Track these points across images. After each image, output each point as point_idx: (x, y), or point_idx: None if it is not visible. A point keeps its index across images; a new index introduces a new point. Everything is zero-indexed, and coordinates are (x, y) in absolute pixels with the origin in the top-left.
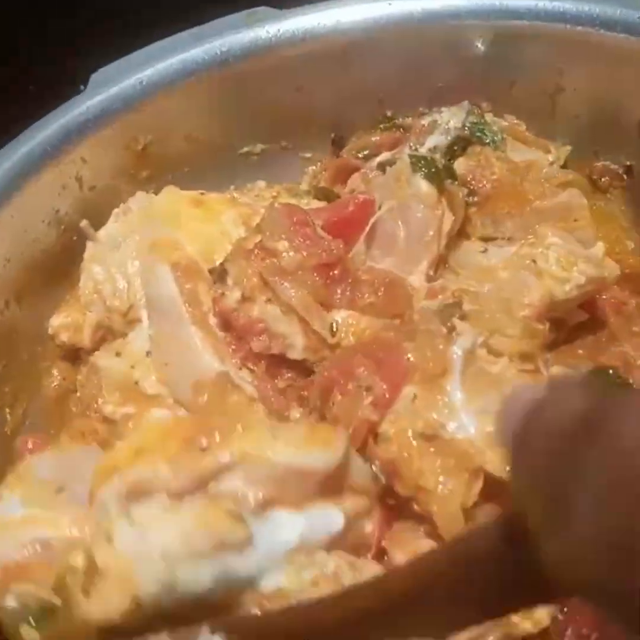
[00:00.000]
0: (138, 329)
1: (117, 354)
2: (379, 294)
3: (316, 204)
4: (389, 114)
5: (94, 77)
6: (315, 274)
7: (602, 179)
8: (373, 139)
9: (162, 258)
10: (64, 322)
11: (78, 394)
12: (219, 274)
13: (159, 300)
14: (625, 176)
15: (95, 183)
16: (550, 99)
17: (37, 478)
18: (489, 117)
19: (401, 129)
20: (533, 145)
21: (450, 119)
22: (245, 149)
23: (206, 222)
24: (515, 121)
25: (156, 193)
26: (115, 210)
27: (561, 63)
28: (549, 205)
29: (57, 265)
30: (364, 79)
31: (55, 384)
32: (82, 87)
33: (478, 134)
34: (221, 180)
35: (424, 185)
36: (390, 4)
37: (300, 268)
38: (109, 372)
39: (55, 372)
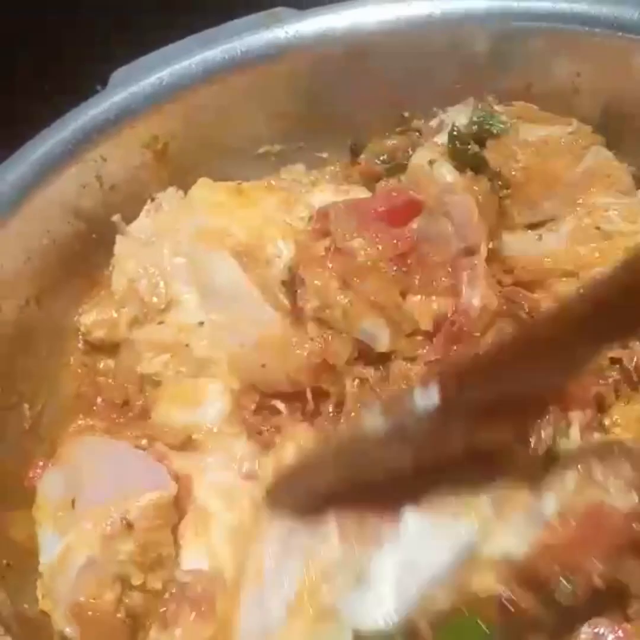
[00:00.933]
0: (177, 308)
1: (160, 323)
2: (450, 275)
3: (355, 192)
4: (405, 114)
5: (114, 77)
6: (393, 265)
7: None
8: (389, 142)
9: (217, 246)
10: (98, 319)
11: (109, 379)
12: (296, 284)
13: (220, 287)
14: None
15: (115, 182)
16: (567, 101)
17: (52, 501)
18: (498, 107)
19: (417, 133)
20: (548, 123)
21: (457, 117)
22: (263, 149)
23: (249, 209)
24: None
25: (176, 191)
26: (146, 206)
27: (578, 65)
28: (579, 172)
29: (77, 263)
30: (381, 79)
31: (75, 380)
32: (98, 87)
33: (486, 126)
34: (239, 180)
35: (448, 176)
36: (409, 5)
37: (379, 260)
38: (152, 337)
39: (75, 368)
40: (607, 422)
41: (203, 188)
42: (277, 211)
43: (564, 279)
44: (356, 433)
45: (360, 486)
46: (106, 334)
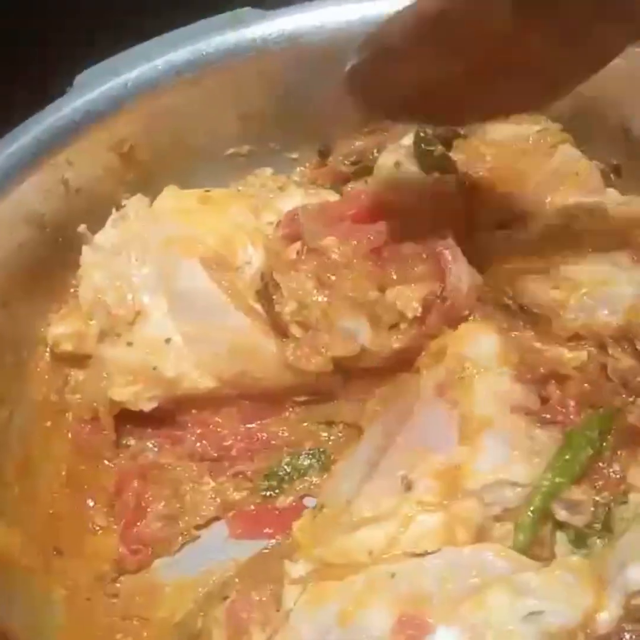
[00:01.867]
0: (145, 320)
1: (129, 344)
2: (425, 261)
3: (323, 195)
4: None
5: (79, 79)
6: (368, 261)
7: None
8: (357, 143)
9: (186, 254)
10: (65, 332)
11: (77, 396)
12: (270, 290)
13: (190, 296)
14: (612, 176)
15: (80, 185)
16: None
17: None
18: None
19: (385, 133)
20: (516, 121)
21: None
22: (232, 150)
23: (217, 216)
24: None
25: (144, 195)
26: (113, 216)
27: None
28: (548, 172)
29: (44, 269)
30: None
31: (43, 386)
32: (67, 88)
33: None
34: (208, 182)
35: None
36: (374, 3)
37: (353, 257)
38: (120, 361)
39: (42, 375)
40: None
41: (170, 196)
42: (246, 217)
43: (534, 276)
44: None
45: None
46: (74, 346)
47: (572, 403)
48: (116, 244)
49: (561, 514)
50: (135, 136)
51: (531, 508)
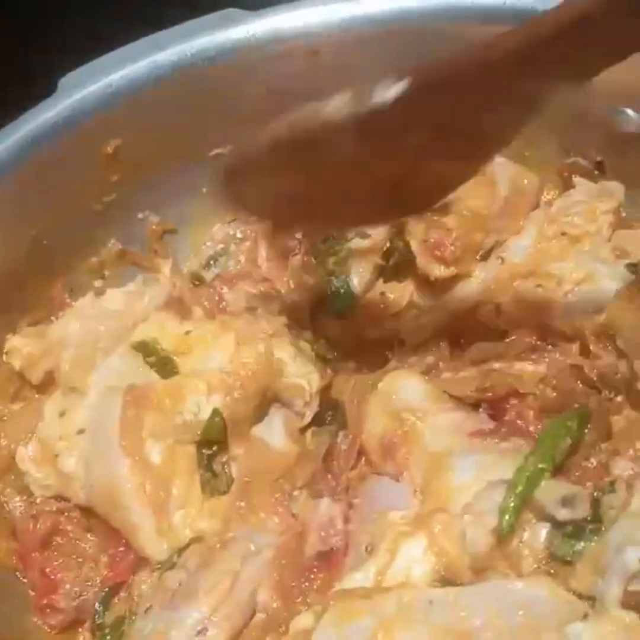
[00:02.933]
0: (81, 399)
1: (61, 414)
2: None
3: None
4: None
5: (63, 82)
6: None
7: (574, 176)
8: None
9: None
10: (21, 348)
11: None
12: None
13: (101, 418)
14: (596, 172)
15: (65, 187)
16: None
17: None
18: None
19: None
20: None
21: None
22: (217, 151)
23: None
24: None
25: (127, 197)
26: (129, 286)
27: None
28: (501, 205)
29: (20, 278)
30: (335, 79)
31: None
32: (51, 91)
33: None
34: (193, 182)
35: None
36: (358, 4)
37: None
38: (41, 427)
39: None
40: None
41: (153, 325)
42: (220, 359)
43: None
44: (318, 120)
45: (319, 190)
46: (21, 366)
47: (531, 413)
48: (110, 310)
49: (561, 513)
50: (119, 138)
51: (516, 490)
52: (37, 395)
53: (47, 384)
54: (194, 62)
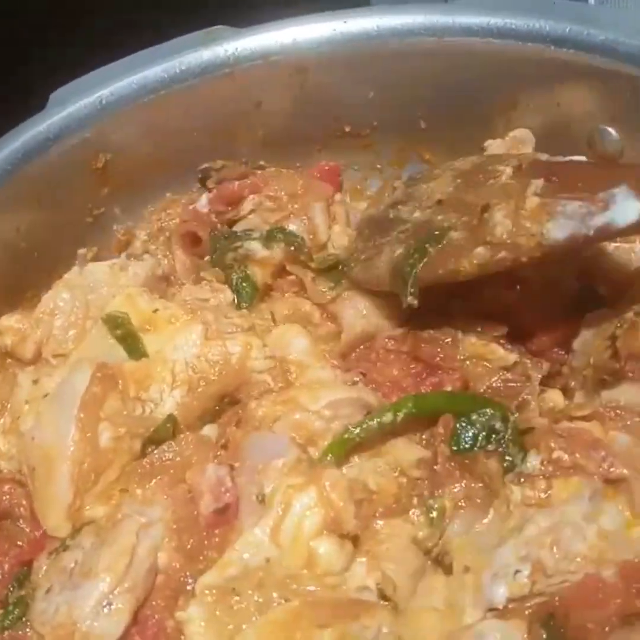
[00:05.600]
0: (56, 370)
1: (34, 382)
2: None
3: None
4: (347, 129)
5: (54, 96)
6: None
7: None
8: (231, 186)
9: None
10: (14, 326)
11: None
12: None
13: (66, 385)
14: None
15: (55, 201)
16: (505, 115)
17: None
18: None
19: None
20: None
21: None
22: (205, 165)
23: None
24: None
25: (119, 210)
26: (116, 259)
27: (514, 79)
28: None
29: (16, 282)
30: (321, 94)
31: None
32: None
33: None
34: (182, 195)
35: None
36: (345, 22)
37: None
38: (15, 393)
39: None
40: None
41: (125, 301)
42: (185, 350)
43: None
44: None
45: None
46: (13, 343)
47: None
48: (98, 283)
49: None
50: (109, 152)
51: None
52: (16, 370)
53: (36, 360)
54: (183, 78)
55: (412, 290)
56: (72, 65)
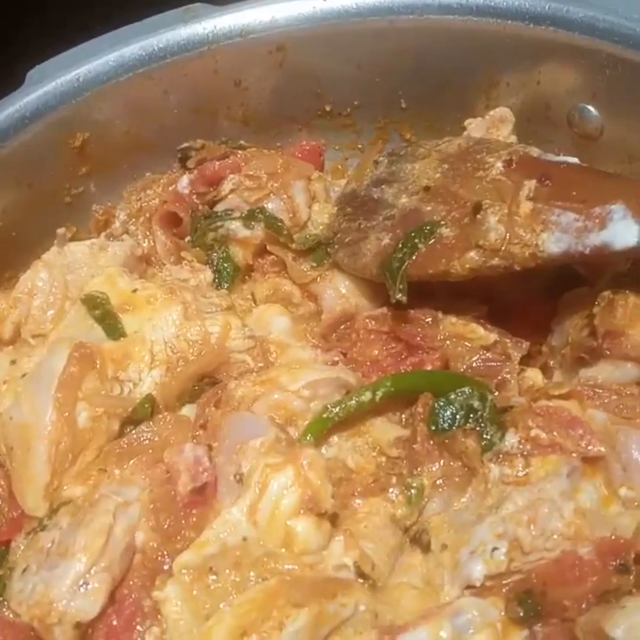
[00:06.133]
0: (34, 350)
1: (12, 362)
2: None
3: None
4: (328, 108)
5: (30, 74)
6: None
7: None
8: (211, 166)
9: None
10: None
11: None
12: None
13: (45, 365)
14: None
15: (33, 180)
16: (485, 93)
17: None
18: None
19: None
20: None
21: None
22: (185, 144)
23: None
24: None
25: (98, 190)
26: (96, 239)
27: (493, 57)
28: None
29: None
30: (301, 73)
31: None
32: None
33: None
34: (161, 174)
35: None
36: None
37: None
38: None
39: None
40: None
41: (105, 281)
42: (165, 331)
43: None
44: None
45: None
46: None
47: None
48: (78, 263)
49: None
50: (87, 131)
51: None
52: None
53: (14, 340)
54: (161, 55)
55: (401, 286)
56: (49, 44)
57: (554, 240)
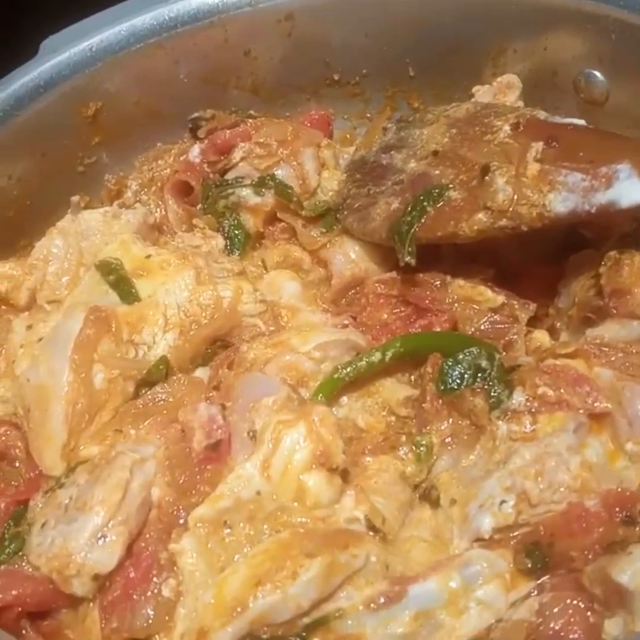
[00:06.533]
0: (49, 316)
1: (28, 328)
2: None
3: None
4: (336, 77)
5: (44, 44)
6: None
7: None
8: (222, 135)
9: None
10: (7, 273)
11: None
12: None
13: (62, 328)
14: None
15: (47, 149)
16: (492, 60)
17: None
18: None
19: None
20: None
21: None
22: (196, 115)
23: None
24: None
25: (110, 159)
26: (109, 207)
27: (500, 24)
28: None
29: (9, 231)
30: (310, 42)
31: None
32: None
33: None
34: (172, 144)
35: None
36: None
37: None
38: (9, 339)
39: None
40: None
41: (120, 248)
42: (178, 295)
43: None
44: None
45: None
46: (6, 290)
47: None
48: (92, 230)
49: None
50: (99, 99)
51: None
52: (10, 316)
53: (30, 307)
54: (172, 25)
55: (410, 249)
56: (62, 15)
57: (561, 200)
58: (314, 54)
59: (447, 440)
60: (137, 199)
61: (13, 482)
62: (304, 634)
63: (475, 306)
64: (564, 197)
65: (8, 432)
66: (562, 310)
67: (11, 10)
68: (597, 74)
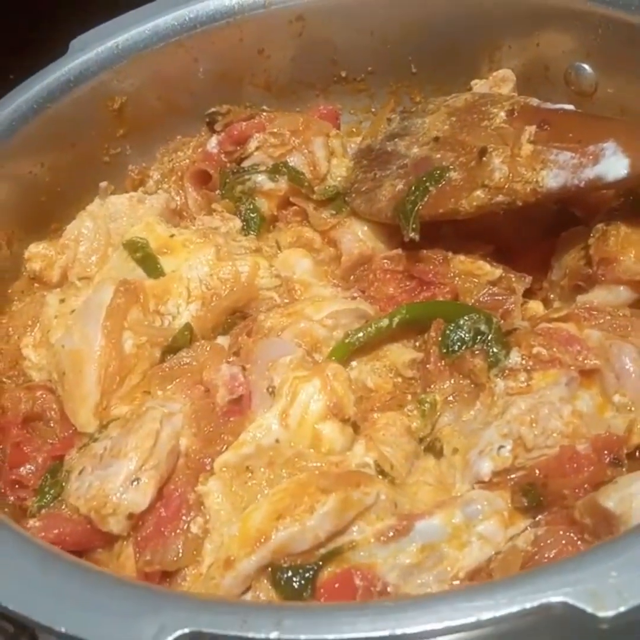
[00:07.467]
0: (81, 291)
1: (62, 301)
2: None
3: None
4: (343, 74)
5: (74, 43)
6: None
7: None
8: (238, 126)
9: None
10: (41, 252)
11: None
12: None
13: (93, 300)
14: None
15: (76, 140)
16: (488, 56)
17: None
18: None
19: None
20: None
21: None
22: (213, 109)
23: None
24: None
25: (133, 150)
26: (134, 193)
27: (496, 23)
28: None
29: (41, 215)
30: (319, 41)
31: None
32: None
33: None
34: (191, 138)
35: None
36: None
37: None
38: (44, 312)
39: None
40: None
41: (144, 228)
42: (199, 269)
43: None
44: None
45: None
46: (41, 269)
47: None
48: (119, 213)
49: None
50: (124, 94)
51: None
52: (44, 293)
53: (62, 284)
54: (192, 26)
55: (414, 225)
56: (90, 16)
57: (553, 176)
58: (322, 53)
59: (449, 398)
60: (159, 187)
61: (49, 440)
62: (320, 562)
63: (475, 279)
64: (555, 173)
65: (43, 396)
66: (554, 282)
67: (44, 14)
68: (586, 67)
